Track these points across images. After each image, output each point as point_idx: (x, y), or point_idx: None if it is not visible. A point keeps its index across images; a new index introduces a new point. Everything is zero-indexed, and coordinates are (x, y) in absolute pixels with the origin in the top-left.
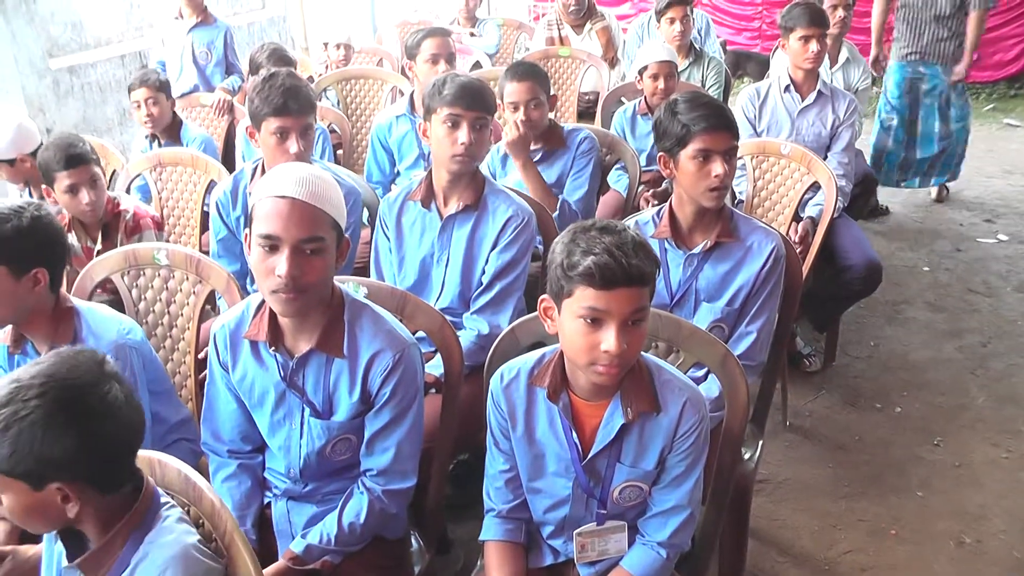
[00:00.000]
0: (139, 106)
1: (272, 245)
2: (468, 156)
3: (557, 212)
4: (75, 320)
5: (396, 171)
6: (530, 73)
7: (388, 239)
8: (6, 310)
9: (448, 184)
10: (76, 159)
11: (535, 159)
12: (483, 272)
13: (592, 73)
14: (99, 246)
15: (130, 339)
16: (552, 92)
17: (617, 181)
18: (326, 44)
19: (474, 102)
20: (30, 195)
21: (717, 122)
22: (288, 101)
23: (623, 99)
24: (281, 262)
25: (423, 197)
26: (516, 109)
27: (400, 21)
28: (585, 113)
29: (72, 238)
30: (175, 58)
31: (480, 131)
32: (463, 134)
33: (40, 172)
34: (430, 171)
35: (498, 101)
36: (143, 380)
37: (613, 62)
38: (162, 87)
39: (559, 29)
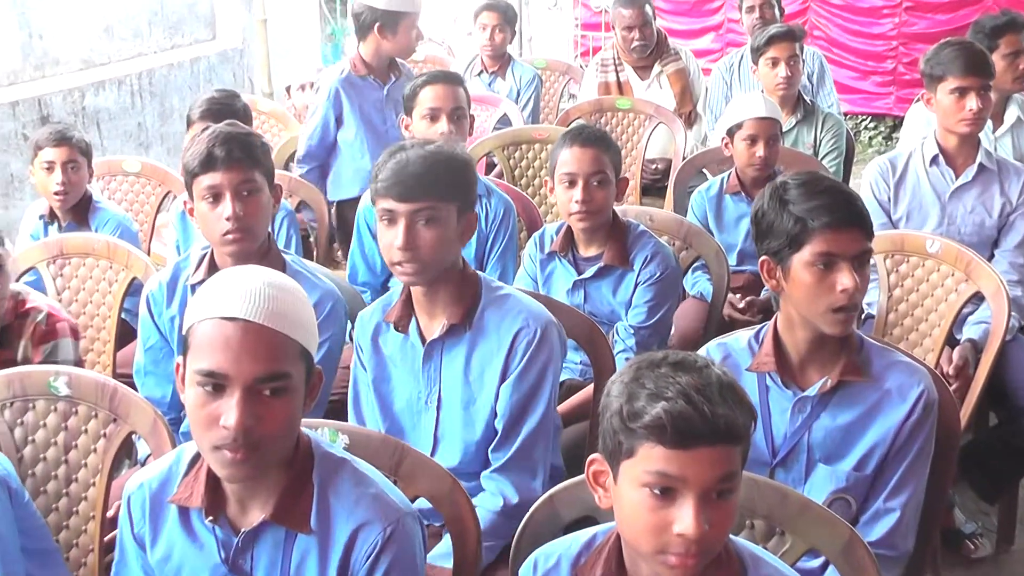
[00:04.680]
0: (50, 170)
1: (216, 385)
2: (415, 264)
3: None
4: None
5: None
6: (599, 141)
7: (365, 370)
8: None
9: (425, 297)
10: None
11: (587, 272)
12: (494, 414)
13: (661, 133)
14: None
15: None
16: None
17: (696, 284)
18: (288, 88)
19: (410, 190)
20: None
21: (845, 216)
22: (215, 149)
23: (704, 170)
24: (229, 409)
25: (398, 317)
26: (572, 185)
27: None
28: (651, 188)
29: None
30: None
31: (433, 226)
32: (398, 235)
33: None
34: None
35: (547, 178)
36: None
37: (690, 118)
38: (86, 150)
39: (617, 71)
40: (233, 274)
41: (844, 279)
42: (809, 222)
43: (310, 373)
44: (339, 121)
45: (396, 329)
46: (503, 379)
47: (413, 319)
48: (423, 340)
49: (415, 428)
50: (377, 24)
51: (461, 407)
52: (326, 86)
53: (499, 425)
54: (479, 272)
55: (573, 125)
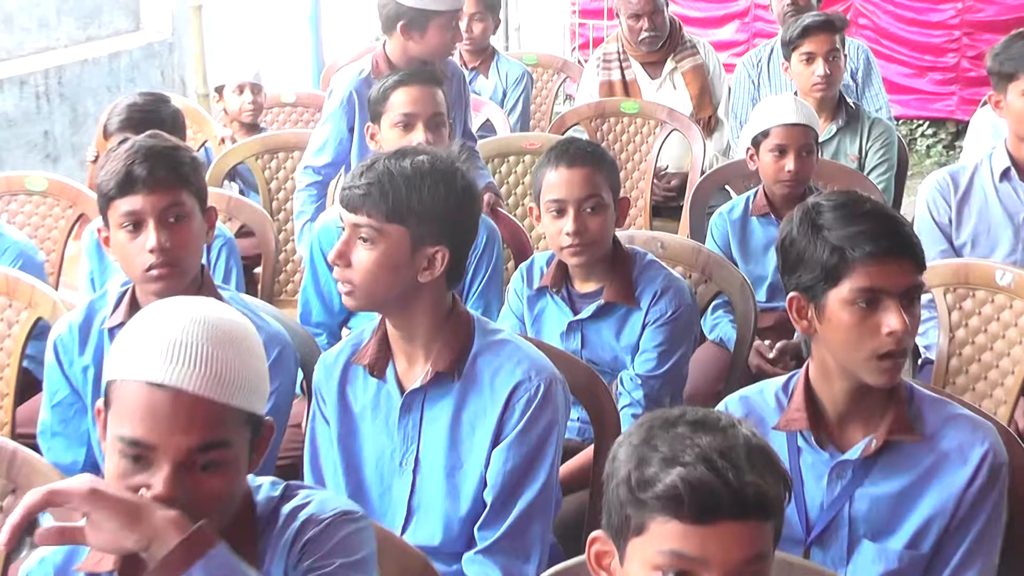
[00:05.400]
0: None
1: (138, 456)
2: (346, 285)
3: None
4: None
5: None
6: (591, 158)
7: (327, 423)
8: None
9: (403, 338)
10: None
11: (585, 312)
12: (483, 483)
13: (675, 142)
14: None
15: None
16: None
17: (716, 326)
18: (220, 90)
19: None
20: None
21: (891, 244)
22: (136, 167)
23: (727, 187)
24: (156, 485)
25: (373, 359)
26: (561, 213)
27: (361, 52)
28: (663, 208)
29: None
30: None
31: (372, 247)
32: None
33: None
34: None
35: (531, 205)
36: None
37: (710, 124)
38: None
39: (622, 68)
40: (162, 316)
41: (890, 320)
42: (848, 252)
43: (256, 433)
44: (353, 132)
45: (371, 373)
46: (496, 441)
47: (391, 363)
48: (401, 389)
49: (385, 495)
50: (401, 22)
51: (444, 473)
52: (341, 88)
53: (489, 497)
54: (472, 312)
55: (560, 140)
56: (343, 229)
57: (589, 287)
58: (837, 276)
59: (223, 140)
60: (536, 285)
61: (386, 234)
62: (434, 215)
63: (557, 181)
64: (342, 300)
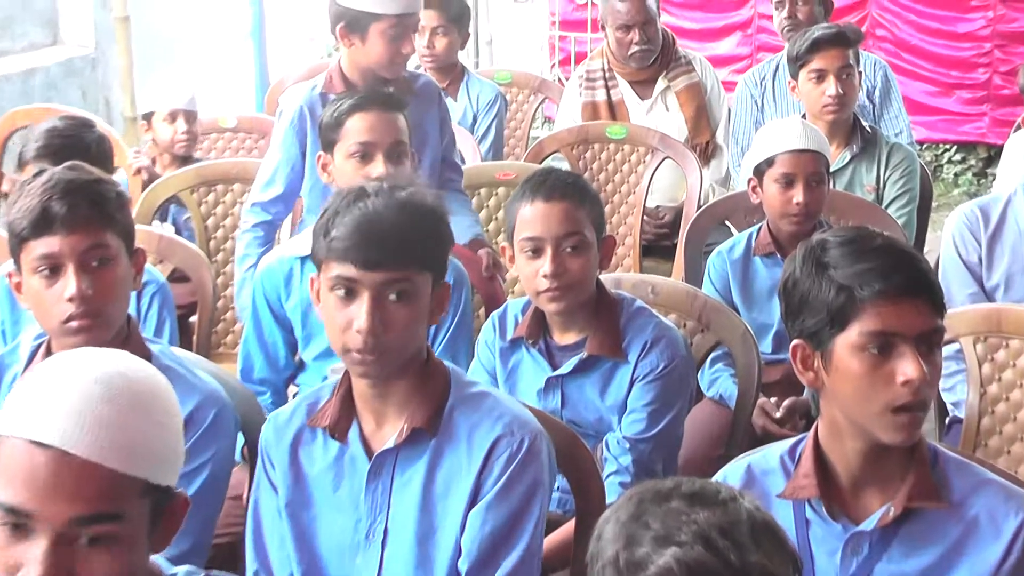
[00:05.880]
0: None
1: (16, 524)
2: (376, 352)
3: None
4: None
5: (298, 361)
6: (571, 190)
7: (275, 491)
8: None
9: (376, 395)
10: None
11: (565, 367)
12: (459, 550)
13: (668, 172)
14: None
15: None
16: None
17: (715, 381)
18: (149, 118)
19: (382, 254)
20: None
21: (905, 282)
22: (53, 203)
23: (727, 223)
24: (33, 561)
25: (334, 420)
26: (537, 253)
27: (312, 68)
28: (655, 247)
29: None
30: None
31: (406, 302)
32: (360, 312)
33: None
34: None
35: (504, 244)
36: None
37: (708, 151)
38: None
39: (608, 87)
40: (60, 368)
41: (906, 367)
42: (856, 291)
43: (164, 504)
44: (306, 156)
45: (332, 436)
46: (473, 502)
47: (355, 423)
48: (368, 452)
49: (347, 573)
50: (340, 25)
51: (414, 541)
52: (291, 107)
53: (464, 566)
54: (448, 363)
55: (537, 170)
56: (347, 293)
57: (570, 338)
58: (845, 319)
59: (139, 171)
60: (510, 336)
61: (418, 285)
62: (441, 252)
63: (533, 217)
64: (363, 371)
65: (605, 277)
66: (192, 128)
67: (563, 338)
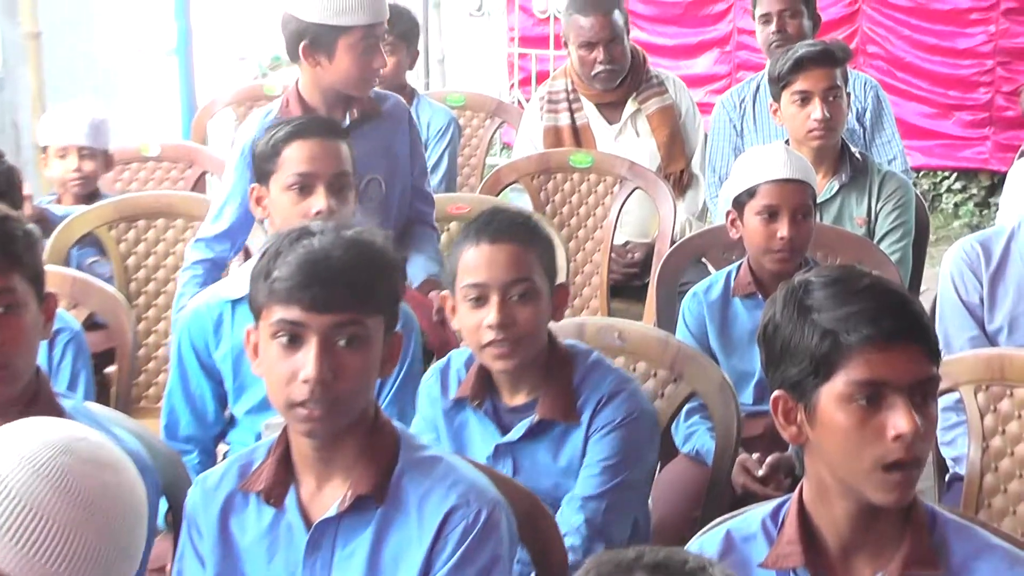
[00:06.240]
0: None
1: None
2: (325, 404)
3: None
4: None
5: (228, 416)
6: (520, 232)
7: (202, 564)
8: None
9: (316, 456)
10: None
11: (515, 432)
12: None
13: (638, 204)
14: None
15: None
16: (561, 276)
17: (691, 436)
18: (45, 150)
19: (334, 294)
20: None
21: (895, 327)
22: None
23: (704, 260)
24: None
25: (270, 484)
26: (482, 302)
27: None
28: (623, 288)
29: None
30: None
31: (357, 348)
32: (308, 359)
33: None
34: (286, 426)
35: (444, 294)
36: None
37: (682, 181)
38: None
39: (571, 111)
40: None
41: (898, 420)
42: (842, 336)
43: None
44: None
45: (266, 501)
46: (426, 575)
47: (292, 488)
48: (307, 520)
49: None
50: (304, 43)
51: None
52: (243, 137)
53: None
54: (395, 422)
55: (483, 211)
56: (291, 339)
57: (519, 399)
58: (830, 368)
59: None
60: (453, 395)
61: (370, 330)
62: (393, 295)
63: (477, 261)
64: (310, 428)
65: (568, 322)
66: (85, 166)
67: (512, 399)
